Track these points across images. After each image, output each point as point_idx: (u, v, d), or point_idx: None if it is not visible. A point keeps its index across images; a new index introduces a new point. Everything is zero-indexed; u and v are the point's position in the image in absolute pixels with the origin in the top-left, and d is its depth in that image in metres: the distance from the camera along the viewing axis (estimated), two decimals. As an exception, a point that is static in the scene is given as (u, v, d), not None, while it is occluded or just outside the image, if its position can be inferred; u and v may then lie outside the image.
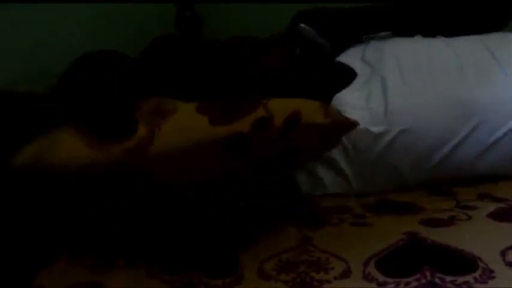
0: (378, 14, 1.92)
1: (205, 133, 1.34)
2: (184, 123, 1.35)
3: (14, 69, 1.91)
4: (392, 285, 1.21)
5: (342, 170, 1.64)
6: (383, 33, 1.92)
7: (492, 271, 1.23)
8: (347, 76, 1.76)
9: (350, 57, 1.83)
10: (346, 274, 1.26)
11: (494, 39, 1.81)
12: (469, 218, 1.49)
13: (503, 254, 1.28)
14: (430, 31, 1.85)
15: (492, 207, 1.54)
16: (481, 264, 1.25)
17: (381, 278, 1.24)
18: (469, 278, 1.21)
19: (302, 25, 1.89)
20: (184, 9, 1.99)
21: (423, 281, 1.21)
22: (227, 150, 1.35)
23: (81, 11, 2.00)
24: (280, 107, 1.38)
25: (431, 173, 1.66)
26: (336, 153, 1.64)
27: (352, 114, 1.56)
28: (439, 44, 1.80)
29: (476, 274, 1.22)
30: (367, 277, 1.25)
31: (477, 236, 1.38)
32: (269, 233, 1.41)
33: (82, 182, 1.34)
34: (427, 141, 1.62)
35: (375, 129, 1.61)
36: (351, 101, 1.66)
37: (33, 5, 1.91)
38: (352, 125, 1.47)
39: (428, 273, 1.22)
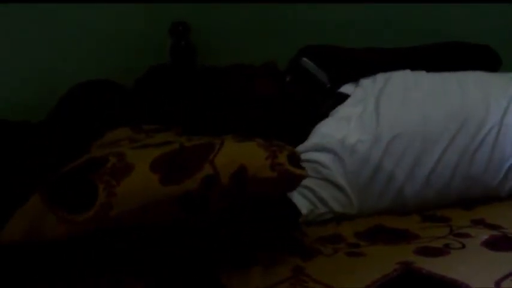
0: (379, 57, 1.98)
1: (157, 193, 1.35)
2: (138, 184, 1.35)
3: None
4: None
5: (341, 185, 1.69)
6: None
7: (486, 302, 1.23)
8: (345, 98, 1.85)
9: (347, 86, 1.90)
10: (340, 305, 1.27)
11: (479, 74, 1.94)
12: (463, 246, 1.50)
13: (497, 284, 1.29)
14: None
15: (485, 234, 1.55)
16: (475, 295, 1.25)
17: (376, 309, 1.24)
18: (463, 308, 1.22)
19: (304, 59, 1.95)
20: (179, 40, 2.03)
21: (417, 312, 1.22)
22: (182, 207, 1.37)
23: (73, 42, 2.02)
24: (226, 163, 1.38)
25: (426, 184, 1.72)
26: (335, 170, 1.69)
27: (346, 126, 1.74)
28: (426, 74, 1.91)
29: (471, 305, 1.23)
30: (362, 308, 1.25)
31: (471, 265, 1.39)
32: (262, 263, 1.41)
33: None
34: (419, 144, 1.73)
35: (366, 138, 1.71)
36: (345, 115, 1.78)
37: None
38: (300, 177, 1.45)
39: (422, 305, 1.23)
